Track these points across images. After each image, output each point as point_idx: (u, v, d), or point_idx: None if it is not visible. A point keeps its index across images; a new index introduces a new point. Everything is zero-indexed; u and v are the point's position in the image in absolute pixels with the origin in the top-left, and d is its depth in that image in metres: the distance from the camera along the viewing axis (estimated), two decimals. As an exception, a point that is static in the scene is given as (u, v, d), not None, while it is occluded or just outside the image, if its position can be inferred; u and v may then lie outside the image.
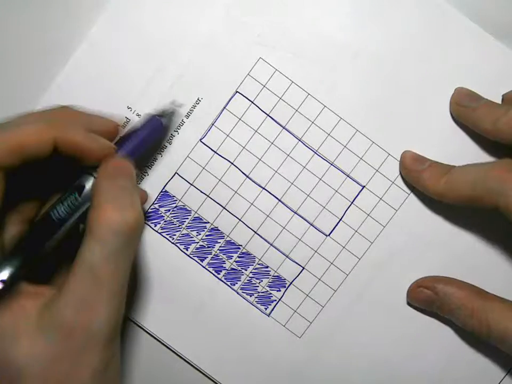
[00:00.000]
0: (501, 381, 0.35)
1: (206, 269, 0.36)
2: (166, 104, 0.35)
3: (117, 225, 0.25)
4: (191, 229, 0.36)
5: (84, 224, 0.26)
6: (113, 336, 0.26)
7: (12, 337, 0.25)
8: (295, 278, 0.36)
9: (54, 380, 0.25)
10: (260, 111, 0.36)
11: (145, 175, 0.36)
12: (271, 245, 0.36)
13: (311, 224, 0.36)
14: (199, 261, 0.36)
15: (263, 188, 0.36)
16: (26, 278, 0.26)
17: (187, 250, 0.36)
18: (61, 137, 0.27)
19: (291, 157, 0.36)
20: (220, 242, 0.36)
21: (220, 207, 0.36)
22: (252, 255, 0.36)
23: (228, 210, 0.36)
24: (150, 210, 0.36)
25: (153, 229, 0.36)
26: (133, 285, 0.35)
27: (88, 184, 0.27)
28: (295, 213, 0.36)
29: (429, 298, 0.34)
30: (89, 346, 0.25)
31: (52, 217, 0.26)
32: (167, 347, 0.36)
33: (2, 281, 0.24)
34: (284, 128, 0.36)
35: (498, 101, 0.34)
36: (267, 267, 0.36)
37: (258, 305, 0.36)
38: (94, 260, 0.25)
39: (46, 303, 0.26)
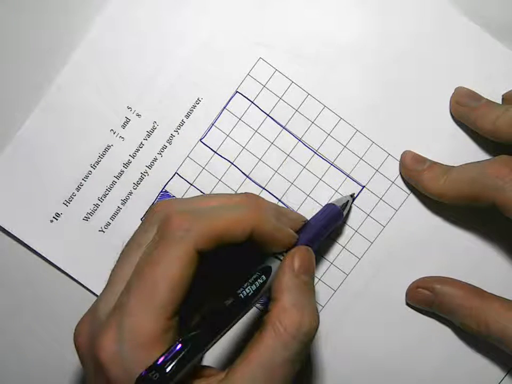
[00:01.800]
0: (501, 381, 0.35)
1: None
2: (342, 195, 0.35)
3: (302, 332, 0.26)
4: (191, 229, 0.36)
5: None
6: None
7: None
8: (295, 278, 0.36)
9: None
10: (260, 111, 0.36)
11: (145, 175, 0.36)
12: (271, 245, 0.36)
13: (311, 224, 0.36)
14: (199, 261, 0.36)
15: (263, 188, 0.36)
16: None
17: (187, 250, 0.36)
18: (258, 226, 0.27)
19: (291, 157, 0.36)
20: (220, 242, 0.36)
21: (220, 207, 0.36)
22: (252, 255, 0.36)
23: (227, 210, 0.36)
24: None
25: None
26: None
27: (275, 266, 0.28)
28: (295, 213, 0.36)
29: (427, 298, 0.34)
30: None
31: (240, 297, 0.26)
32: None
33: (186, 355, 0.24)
34: (284, 128, 0.36)
35: (499, 101, 0.34)
36: (267, 267, 0.36)
37: (259, 305, 0.36)
38: (273, 360, 0.25)
39: None
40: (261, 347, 0.26)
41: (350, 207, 0.35)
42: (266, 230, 0.27)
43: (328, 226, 0.33)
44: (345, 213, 0.34)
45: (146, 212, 0.28)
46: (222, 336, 0.26)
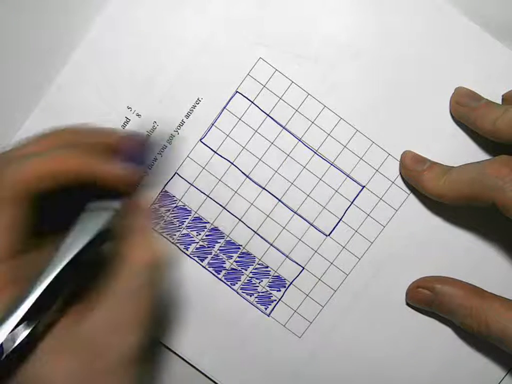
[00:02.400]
0: (501, 381, 0.35)
1: (206, 269, 0.36)
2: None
3: (149, 262, 0.27)
4: (191, 229, 0.36)
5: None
6: (138, 359, 0.27)
7: (36, 354, 0.25)
8: (295, 278, 0.36)
9: None
10: (260, 111, 0.36)
11: (145, 175, 0.36)
12: (271, 245, 0.36)
13: (311, 224, 0.36)
14: (199, 261, 0.36)
15: (263, 188, 0.36)
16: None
17: (187, 250, 0.36)
18: (84, 170, 0.27)
19: (291, 157, 0.36)
20: (220, 242, 0.36)
21: (220, 207, 0.36)
22: (251, 255, 0.36)
23: (227, 210, 0.36)
24: None
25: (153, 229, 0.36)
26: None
27: (98, 219, 0.28)
28: (295, 213, 0.36)
29: (427, 298, 0.34)
30: (117, 368, 0.26)
31: (65, 244, 0.26)
32: (166, 347, 0.36)
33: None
34: (284, 128, 0.36)
35: (498, 101, 0.34)
36: (267, 267, 0.36)
37: (258, 305, 0.36)
38: (132, 288, 0.26)
39: (73, 322, 0.26)
40: (120, 280, 0.26)
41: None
42: (97, 173, 0.27)
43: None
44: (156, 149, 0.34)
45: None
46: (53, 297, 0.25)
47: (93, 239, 0.27)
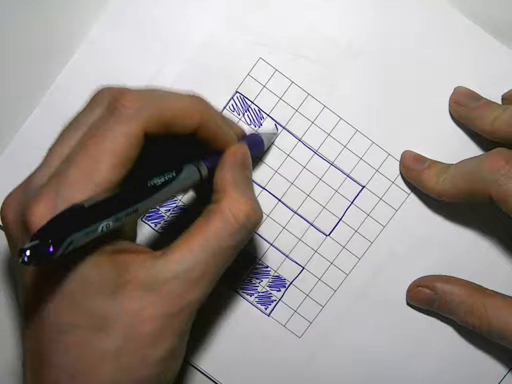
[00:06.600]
0: (501, 381, 0.35)
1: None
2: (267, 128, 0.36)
3: (251, 221, 0.27)
4: (191, 229, 0.36)
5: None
6: (197, 310, 0.28)
7: (109, 289, 0.25)
8: (295, 278, 0.36)
9: (141, 339, 0.25)
10: (260, 111, 0.36)
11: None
12: (271, 244, 0.36)
13: (311, 224, 0.36)
14: (199, 261, 0.36)
15: (263, 188, 0.36)
16: (126, 237, 0.27)
17: (187, 250, 0.36)
18: (205, 120, 0.28)
19: (291, 157, 0.36)
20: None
21: (220, 207, 0.36)
22: (252, 255, 0.36)
23: (228, 210, 0.36)
24: (150, 210, 0.36)
25: (153, 229, 0.36)
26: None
27: (187, 171, 0.28)
28: (295, 212, 0.36)
29: (428, 297, 0.34)
30: (182, 314, 0.26)
31: (147, 185, 0.26)
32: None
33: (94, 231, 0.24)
34: (284, 128, 0.36)
35: (498, 101, 0.34)
36: (267, 267, 0.36)
37: (258, 305, 0.36)
38: (217, 246, 0.26)
39: (150, 265, 0.26)
40: (206, 233, 0.26)
41: (272, 143, 0.36)
42: (212, 125, 0.28)
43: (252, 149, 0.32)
44: (267, 144, 0.34)
45: (92, 95, 0.28)
46: (124, 217, 0.25)
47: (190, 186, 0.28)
